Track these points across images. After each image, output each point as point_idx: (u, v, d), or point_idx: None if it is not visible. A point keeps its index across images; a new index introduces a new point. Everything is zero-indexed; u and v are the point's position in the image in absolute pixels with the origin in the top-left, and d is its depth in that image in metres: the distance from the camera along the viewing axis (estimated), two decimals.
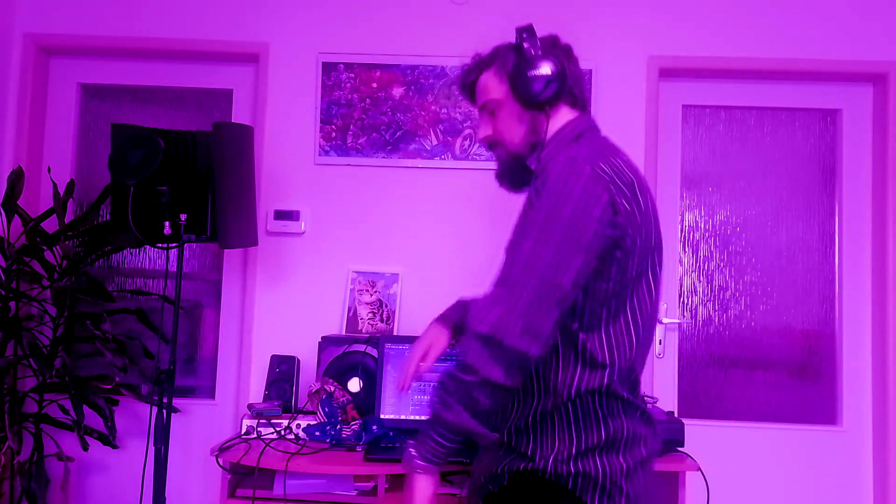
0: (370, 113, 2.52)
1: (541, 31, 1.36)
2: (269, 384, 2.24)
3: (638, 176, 1.19)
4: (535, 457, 1.19)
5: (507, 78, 1.27)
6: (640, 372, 1.26)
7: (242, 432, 2.02)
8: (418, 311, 2.45)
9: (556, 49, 1.29)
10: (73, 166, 2.64)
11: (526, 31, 1.29)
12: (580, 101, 1.30)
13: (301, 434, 2.01)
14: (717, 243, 2.61)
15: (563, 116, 1.28)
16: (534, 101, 1.24)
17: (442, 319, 1.51)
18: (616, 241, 1.13)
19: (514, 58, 1.28)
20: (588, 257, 1.11)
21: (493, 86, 1.31)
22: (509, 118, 1.29)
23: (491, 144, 1.34)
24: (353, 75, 2.52)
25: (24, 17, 2.57)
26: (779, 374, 2.56)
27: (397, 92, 2.52)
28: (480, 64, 1.34)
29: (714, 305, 2.60)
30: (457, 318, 1.51)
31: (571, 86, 1.26)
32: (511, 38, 1.34)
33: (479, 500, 1.30)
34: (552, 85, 1.23)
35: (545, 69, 1.23)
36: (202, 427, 2.53)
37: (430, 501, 1.20)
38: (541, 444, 1.19)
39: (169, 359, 1.84)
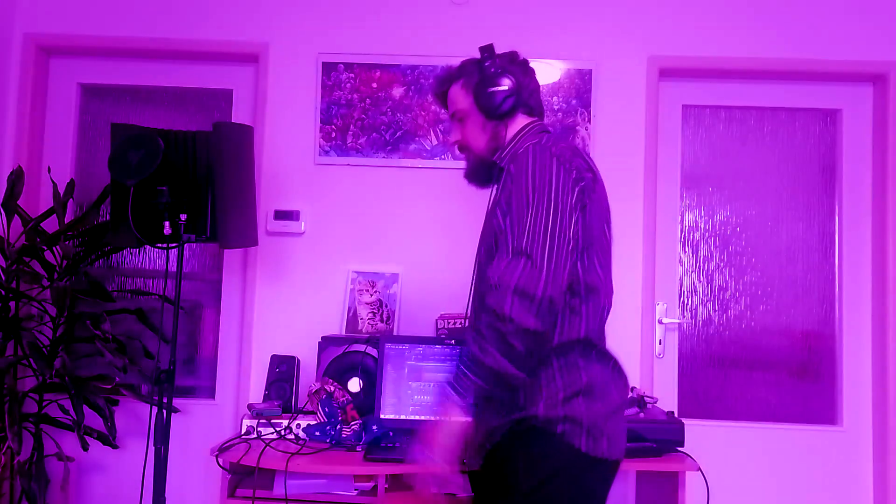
0: (370, 113, 2.52)
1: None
2: (269, 384, 2.24)
3: (592, 161, 1.41)
4: (528, 406, 1.32)
5: (471, 92, 1.47)
6: (604, 326, 1.46)
7: (242, 432, 2.02)
8: (418, 311, 2.45)
9: (514, 65, 1.49)
10: (73, 166, 2.64)
11: (487, 51, 1.48)
12: (536, 110, 1.51)
13: (301, 434, 2.01)
14: (717, 243, 2.61)
15: (520, 122, 1.48)
16: (494, 113, 1.45)
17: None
18: (582, 203, 1.32)
19: (478, 75, 1.47)
20: (575, 212, 1.30)
21: (460, 97, 1.50)
22: (474, 126, 1.49)
23: (461, 148, 1.54)
24: (353, 75, 2.53)
25: (25, 16, 2.57)
26: (779, 374, 2.56)
27: (397, 92, 2.52)
28: (451, 77, 1.54)
29: (714, 305, 2.60)
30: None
31: (527, 98, 1.47)
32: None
33: (481, 460, 1.41)
34: (509, 99, 1.44)
35: (503, 86, 1.44)
36: (202, 427, 2.53)
37: (460, 437, 1.30)
38: (532, 394, 1.33)
39: (169, 359, 1.84)
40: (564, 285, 1.28)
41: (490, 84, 1.44)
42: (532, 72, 1.52)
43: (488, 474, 1.40)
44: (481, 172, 1.52)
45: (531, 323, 1.23)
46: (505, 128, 1.47)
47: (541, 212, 1.27)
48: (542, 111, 1.53)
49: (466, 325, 1.55)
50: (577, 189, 1.31)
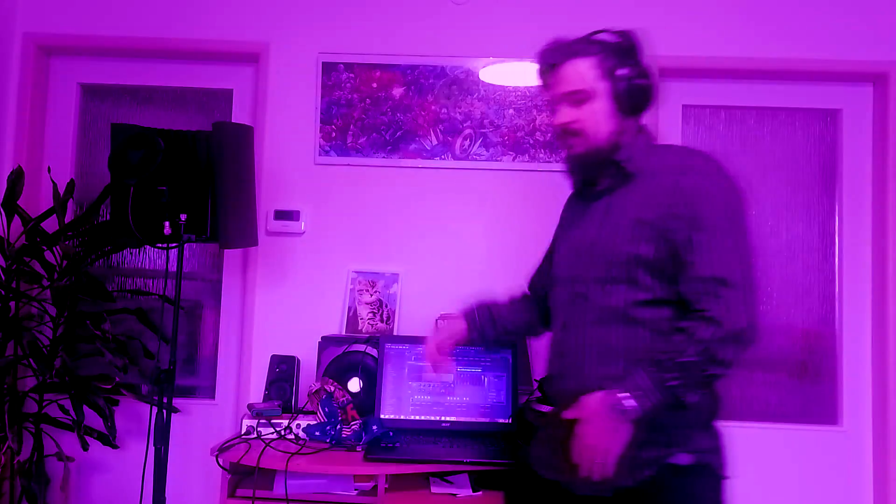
0: (370, 113, 2.52)
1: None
2: (269, 384, 2.24)
3: None
4: (689, 437, 1.30)
5: (609, 77, 1.33)
6: None
7: (242, 432, 2.02)
8: (418, 311, 2.45)
9: (645, 55, 1.38)
10: (73, 166, 2.63)
11: (631, 36, 1.37)
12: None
13: (301, 434, 2.01)
14: None
15: (635, 122, 1.39)
16: (634, 108, 1.35)
17: (465, 317, 1.65)
18: None
19: (619, 60, 1.34)
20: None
21: (588, 77, 1.35)
22: (600, 113, 1.34)
23: (571, 132, 1.37)
24: (353, 75, 2.52)
25: (25, 16, 2.57)
26: (779, 373, 2.56)
27: (397, 92, 2.52)
28: (572, 50, 1.36)
29: None
30: (479, 321, 1.65)
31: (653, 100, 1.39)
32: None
33: (610, 492, 1.30)
34: (651, 96, 1.35)
35: (647, 80, 1.34)
36: (202, 427, 2.53)
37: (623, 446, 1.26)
38: (691, 425, 1.32)
39: (169, 359, 1.84)
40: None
41: (639, 75, 1.33)
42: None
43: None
44: (592, 167, 1.39)
45: (736, 366, 1.25)
46: (631, 125, 1.37)
47: (742, 242, 1.29)
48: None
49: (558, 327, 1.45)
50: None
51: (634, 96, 1.34)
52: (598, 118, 1.35)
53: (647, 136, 1.42)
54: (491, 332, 1.64)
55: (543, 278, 1.64)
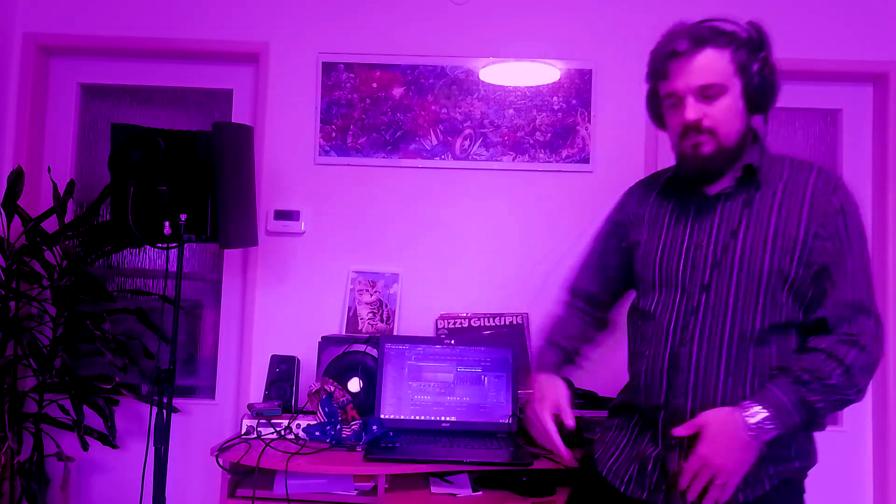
0: (370, 113, 2.52)
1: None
2: (269, 384, 2.24)
3: None
4: (804, 452, 1.30)
5: (742, 73, 1.25)
6: None
7: (242, 432, 2.02)
8: (418, 312, 2.45)
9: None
10: (73, 166, 2.63)
11: (761, 29, 1.27)
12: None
13: (301, 434, 2.01)
14: None
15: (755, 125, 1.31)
16: (764, 108, 1.27)
17: (548, 368, 1.47)
18: None
19: (751, 54, 1.25)
20: None
21: (721, 71, 1.24)
22: (732, 111, 1.26)
23: (699, 129, 1.25)
24: (353, 75, 2.52)
25: (24, 16, 2.56)
26: None
27: (397, 92, 2.52)
28: (704, 38, 1.25)
29: None
30: (560, 361, 1.50)
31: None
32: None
33: None
34: (777, 95, 1.28)
35: (777, 78, 1.27)
36: (202, 427, 2.53)
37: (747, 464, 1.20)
38: (805, 440, 1.31)
39: (169, 359, 1.84)
40: None
41: (774, 73, 1.25)
42: None
43: None
44: (717, 168, 1.28)
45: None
46: (764, 124, 1.31)
47: (868, 265, 1.28)
48: None
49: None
50: None
51: (765, 94, 1.26)
52: (730, 116, 1.25)
53: (762, 140, 1.33)
54: (573, 362, 1.54)
55: (608, 283, 1.54)
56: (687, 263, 1.31)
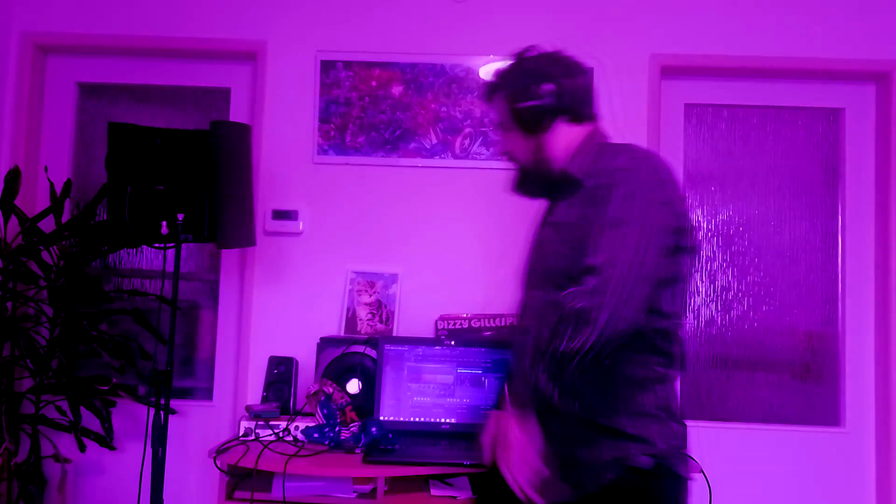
0: (369, 111, 2.50)
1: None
2: (268, 385, 2.22)
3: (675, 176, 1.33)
4: (641, 437, 1.28)
5: (511, 109, 1.40)
6: None
7: (240, 434, 2.01)
8: (417, 312, 2.44)
9: (556, 67, 1.37)
10: (70, 165, 2.62)
11: (520, 57, 1.40)
12: (586, 115, 1.40)
13: (299, 436, 1.99)
14: (720, 243, 2.60)
15: (573, 132, 1.38)
16: (531, 130, 1.38)
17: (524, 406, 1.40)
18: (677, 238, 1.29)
19: (512, 93, 1.39)
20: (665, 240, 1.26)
21: (501, 109, 1.43)
22: (516, 139, 1.42)
23: (509, 158, 1.47)
24: (351, 73, 2.51)
25: (22, 15, 2.55)
26: (781, 374, 2.55)
27: (396, 90, 2.50)
28: (493, 86, 1.45)
29: (717, 306, 2.58)
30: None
31: (570, 104, 1.36)
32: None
33: (572, 498, 1.29)
34: (546, 114, 1.36)
35: (537, 98, 1.35)
36: (200, 429, 2.52)
37: (522, 437, 1.28)
38: (643, 424, 1.30)
39: (166, 360, 1.83)
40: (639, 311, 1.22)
41: (518, 98, 1.36)
42: (579, 70, 1.40)
43: None
44: (534, 183, 1.44)
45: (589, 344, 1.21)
46: (552, 140, 1.38)
47: (629, 235, 1.22)
48: (592, 113, 1.43)
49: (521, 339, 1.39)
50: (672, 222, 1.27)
51: (521, 118, 1.38)
52: (518, 144, 1.42)
53: (593, 148, 1.38)
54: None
55: None
56: (527, 263, 1.47)
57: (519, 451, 1.26)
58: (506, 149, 1.46)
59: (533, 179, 1.44)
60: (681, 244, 1.29)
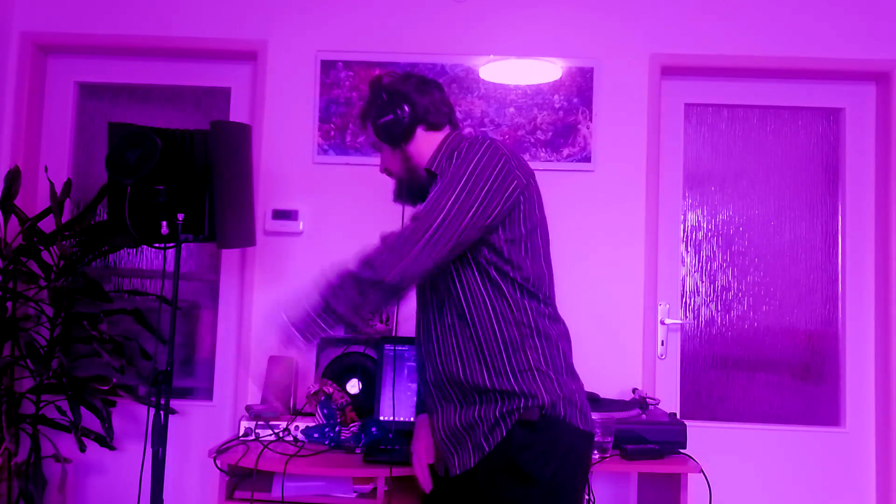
0: None
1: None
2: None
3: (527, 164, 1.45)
4: (530, 393, 1.36)
5: (374, 126, 1.54)
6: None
7: (241, 434, 2.01)
8: None
9: (407, 85, 1.52)
10: (70, 165, 2.62)
11: (373, 84, 1.56)
12: (441, 124, 1.53)
13: (299, 436, 1.99)
14: (720, 243, 2.60)
15: (433, 138, 1.51)
16: (391, 141, 1.52)
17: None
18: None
19: (372, 112, 1.54)
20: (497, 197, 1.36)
21: (371, 131, 1.57)
22: (388, 154, 1.56)
23: (388, 174, 1.60)
24: (351, 73, 2.51)
25: (22, 15, 2.55)
26: (781, 375, 2.55)
27: None
28: (362, 114, 1.60)
29: (717, 306, 2.58)
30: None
31: (425, 115, 1.50)
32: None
33: (476, 459, 1.39)
34: (398, 125, 1.50)
35: (389, 115, 1.50)
36: (200, 429, 2.52)
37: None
38: (529, 379, 1.37)
39: (166, 360, 1.83)
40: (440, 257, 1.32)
41: (378, 116, 1.51)
42: (431, 87, 1.55)
43: (490, 470, 1.38)
44: (412, 192, 1.56)
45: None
46: (413, 149, 1.51)
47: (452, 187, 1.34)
48: (452, 121, 1.56)
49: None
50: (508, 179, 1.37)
51: (380, 133, 1.52)
52: (389, 158, 1.56)
53: (449, 145, 1.51)
54: None
55: None
56: None
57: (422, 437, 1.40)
58: (383, 166, 1.58)
59: (410, 188, 1.56)
60: (518, 208, 1.38)
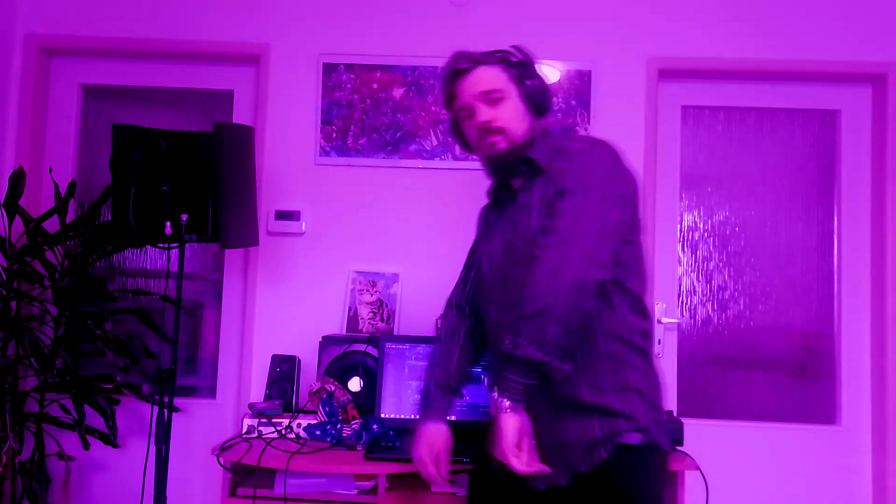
0: (370, 114, 2.53)
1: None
2: (270, 384, 2.24)
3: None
4: (627, 413, 1.31)
5: (517, 82, 1.43)
6: None
7: (243, 432, 2.03)
8: (418, 311, 2.46)
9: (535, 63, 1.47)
10: (74, 166, 2.64)
11: (525, 51, 1.46)
12: (547, 109, 1.50)
13: (302, 433, 2.01)
14: (717, 243, 2.62)
15: (542, 122, 1.47)
16: (541, 106, 1.44)
17: (432, 414, 1.56)
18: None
19: (522, 69, 1.44)
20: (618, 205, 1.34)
21: (497, 79, 1.43)
22: (515, 111, 1.42)
23: (493, 130, 1.42)
24: (353, 76, 2.53)
25: (26, 17, 2.57)
26: (777, 373, 2.57)
27: (398, 93, 2.53)
28: (478, 58, 1.45)
29: (713, 305, 2.60)
30: (445, 406, 1.60)
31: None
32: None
33: (569, 478, 1.33)
34: (549, 99, 1.46)
35: (542, 82, 1.44)
36: (203, 426, 2.54)
37: (518, 431, 1.26)
38: (627, 399, 1.33)
39: (170, 358, 1.85)
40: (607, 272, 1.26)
41: (539, 78, 1.44)
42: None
43: (584, 490, 1.33)
44: (511, 164, 1.44)
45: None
46: (538, 126, 1.45)
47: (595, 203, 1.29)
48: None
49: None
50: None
51: (542, 98, 1.44)
52: (515, 115, 1.42)
53: (554, 137, 1.48)
54: (458, 397, 1.65)
55: (471, 293, 1.65)
56: (497, 262, 1.47)
57: (511, 439, 1.26)
58: (491, 118, 1.40)
59: (514, 158, 1.43)
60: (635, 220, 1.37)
